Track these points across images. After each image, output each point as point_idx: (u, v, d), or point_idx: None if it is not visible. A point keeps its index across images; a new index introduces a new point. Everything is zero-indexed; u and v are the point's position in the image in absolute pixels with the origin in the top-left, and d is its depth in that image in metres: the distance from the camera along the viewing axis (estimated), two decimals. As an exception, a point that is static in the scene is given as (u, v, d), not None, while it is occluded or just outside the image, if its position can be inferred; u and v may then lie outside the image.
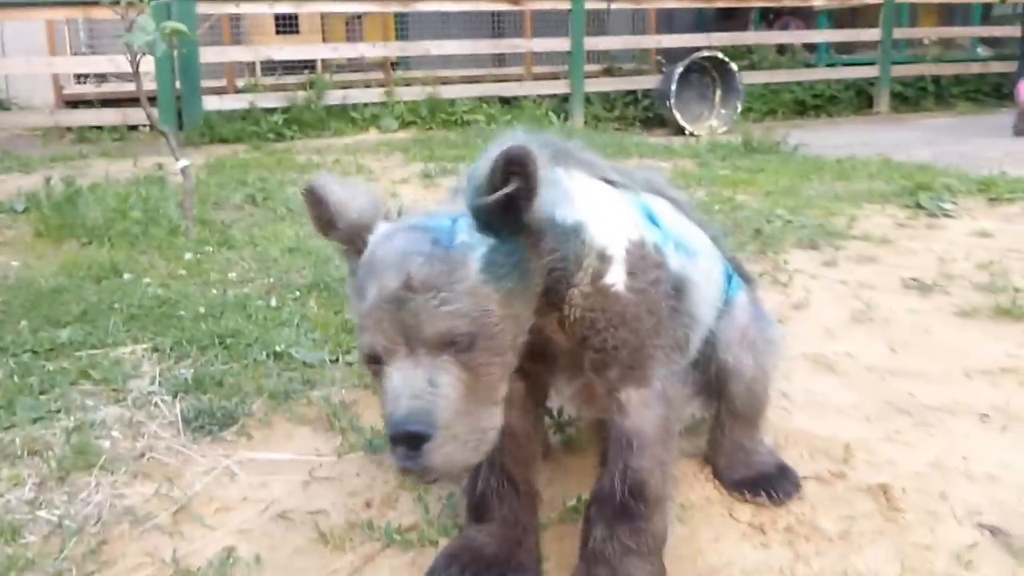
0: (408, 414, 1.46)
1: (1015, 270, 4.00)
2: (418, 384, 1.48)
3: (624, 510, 1.77)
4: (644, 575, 1.78)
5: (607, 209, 1.78)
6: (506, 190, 1.50)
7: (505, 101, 10.68)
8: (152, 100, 7.53)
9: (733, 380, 2.15)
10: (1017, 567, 1.94)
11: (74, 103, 10.00)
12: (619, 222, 1.77)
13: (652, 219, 1.88)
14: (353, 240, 1.64)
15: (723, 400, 2.21)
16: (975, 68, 13.20)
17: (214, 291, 3.70)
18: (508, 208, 1.52)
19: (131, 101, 8.77)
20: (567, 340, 1.77)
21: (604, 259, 1.71)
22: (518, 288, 1.58)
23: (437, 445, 1.46)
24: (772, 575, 1.93)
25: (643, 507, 1.77)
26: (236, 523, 2.12)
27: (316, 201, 1.64)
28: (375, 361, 1.52)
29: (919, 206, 5.30)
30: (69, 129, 9.26)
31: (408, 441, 1.45)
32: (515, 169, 1.49)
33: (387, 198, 5.63)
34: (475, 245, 1.54)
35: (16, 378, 2.77)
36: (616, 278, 1.72)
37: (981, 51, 13.73)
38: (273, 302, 3.50)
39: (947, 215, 5.14)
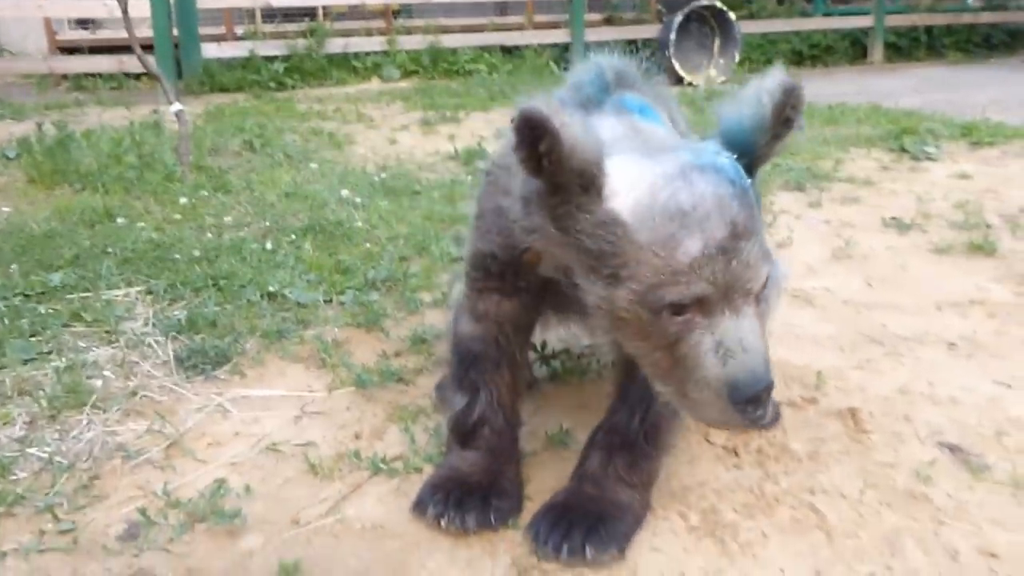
0: (767, 369, 1.46)
1: (989, 209, 4.14)
2: (756, 335, 1.47)
3: (631, 446, 1.82)
4: (630, 500, 1.83)
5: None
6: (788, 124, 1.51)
7: (506, 51, 10.61)
8: (149, 48, 7.50)
9: None
10: (973, 481, 2.02)
11: (69, 50, 9.91)
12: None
13: None
14: (584, 177, 1.45)
15: None
16: (966, 18, 13.29)
17: (209, 235, 3.71)
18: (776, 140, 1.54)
19: (127, 48, 8.71)
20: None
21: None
22: None
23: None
24: (742, 493, 1.98)
25: (652, 449, 1.82)
26: (227, 457, 2.15)
27: (539, 133, 1.42)
28: (681, 312, 1.44)
29: (903, 150, 5.46)
30: (64, 77, 9.19)
31: (768, 393, 1.46)
32: (793, 102, 1.49)
33: (386, 145, 5.67)
34: (750, 182, 1.51)
35: (6, 320, 2.78)
36: None
37: (972, 2, 13.81)
38: (268, 245, 3.50)
39: (930, 158, 5.30)
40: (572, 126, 1.42)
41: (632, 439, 1.82)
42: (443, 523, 1.84)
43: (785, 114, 1.49)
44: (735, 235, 1.42)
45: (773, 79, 1.50)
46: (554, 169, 1.44)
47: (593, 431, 1.90)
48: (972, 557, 1.76)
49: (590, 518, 1.78)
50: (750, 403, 1.43)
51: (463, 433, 1.96)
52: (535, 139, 1.41)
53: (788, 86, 1.48)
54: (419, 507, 1.89)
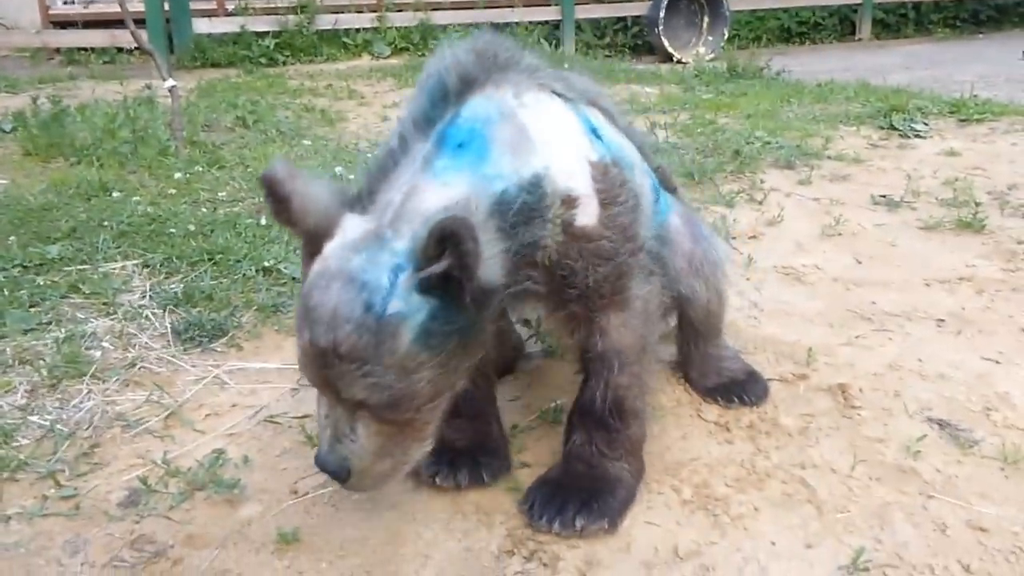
0: (327, 456, 1.59)
1: (978, 186, 4.15)
2: (340, 428, 1.57)
3: (603, 422, 1.85)
4: (619, 473, 1.87)
5: (564, 135, 1.72)
6: (439, 267, 1.42)
7: (496, 27, 10.57)
8: (141, 23, 7.47)
9: (690, 307, 2.19)
10: (961, 456, 2.05)
11: (61, 24, 9.85)
12: (578, 147, 1.72)
13: (595, 133, 1.81)
14: (313, 241, 1.55)
15: (683, 320, 2.27)
16: (954, -6, 13.26)
17: (204, 209, 3.72)
18: (449, 278, 1.44)
19: (120, 23, 8.68)
20: (546, 285, 1.74)
21: (570, 203, 1.66)
22: (459, 344, 1.53)
23: (354, 482, 1.62)
24: (734, 467, 2.02)
25: (620, 421, 1.85)
26: (225, 427, 2.17)
27: (276, 194, 1.52)
28: None
29: (892, 127, 5.46)
30: (57, 51, 9.18)
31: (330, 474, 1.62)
32: (450, 244, 1.40)
33: (378, 122, 5.68)
34: (410, 314, 1.46)
35: (6, 291, 2.80)
36: (586, 217, 1.69)
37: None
38: (263, 220, 3.51)
39: (918, 135, 5.30)
40: (304, 191, 1.53)
41: (602, 417, 1.85)
42: (438, 480, 1.90)
43: (439, 246, 1.41)
44: (335, 352, 1.45)
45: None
46: (294, 224, 1.55)
47: (569, 412, 1.94)
48: (961, 531, 1.79)
49: (583, 493, 1.82)
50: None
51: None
52: (275, 199, 1.52)
53: (444, 223, 1.39)
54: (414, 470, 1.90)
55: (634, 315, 1.82)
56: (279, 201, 1.52)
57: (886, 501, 1.88)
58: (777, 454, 2.06)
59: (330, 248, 1.52)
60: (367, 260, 1.47)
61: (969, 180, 4.23)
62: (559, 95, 1.80)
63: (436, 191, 1.55)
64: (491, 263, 1.47)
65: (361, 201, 1.59)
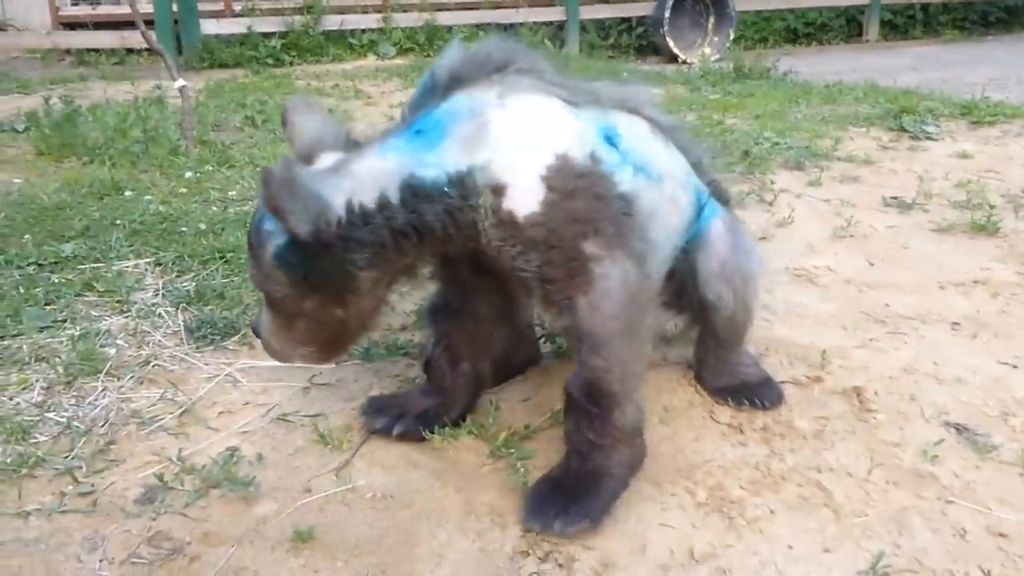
0: (254, 319, 2.05)
1: (991, 188, 4.13)
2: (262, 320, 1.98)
3: (580, 405, 1.85)
4: (609, 462, 1.87)
5: (530, 134, 1.80)
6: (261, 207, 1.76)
7: (501, 28, 10.59)
8: (149, 24, 7.49)
9: (714, 313, 2.18)
10: (979, 460, 2.04)
11: (71, 25, 9.88)
12: (541, 142, 1.79)
13: (610, 140, 1.89)
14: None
15: (706, 327, 2.26)
16: (963, -5, 13.22)
17: (214, 208, 3.73)
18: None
19: (129, 24, 8.71)
20: (502, 265, 1.83)
21: (499, 190, 1.74)
22: (310, 278, 1.81)
23: (264, 345, 2.02)
24: (748, 470, 2.01)
25: (595, 405, 1.83)
26: (239, 425, 2.18)
27: (283, 120, 1.90)
28: None
29: (903, 129, 5.43)
30: (68, 52, 9.21)
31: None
32: (277, 193, 1.67)
33: (385, 121, 5.67)
34: (274, 234, 1.78)
35: (22, 289, 2.81)
36: (518, 203, 1.75)
37: (969, -22, 13.69)
38: (274, 220, 3.51)
39: (929, 137, 5.27)
40: (302, 123, 1.87)
41: (577, 399, 1.85)
42: (377, 426, 2.13)
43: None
44: (249, 247, 1.88)
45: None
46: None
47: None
48: (981, 536, 1.78)
49: (569, 493, 1.83)
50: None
51: (423, 367, 2.21)
52: (283, 123, 1.90)
53: (263, 172, 1.67)
54: (361, 411, 2.19)
55: (604, 296, 1.79)
56: (283, 124, 1.89)
57: (904, 506, 1.87)
58: (792, 457, 2.06)
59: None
60: None
61: (982, 182, 4.21)
62: (566, 100, 1.87)
63: (370, 159, 1.81)
64: (300, 220, 1.69)
65: (346, 150, 1.86)
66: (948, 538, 1.78)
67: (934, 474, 1.98)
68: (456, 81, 1.83)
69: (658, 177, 1.96)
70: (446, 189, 1.76)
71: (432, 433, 2.09)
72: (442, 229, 1.79)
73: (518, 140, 1.77)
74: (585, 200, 1.78)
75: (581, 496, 1.82)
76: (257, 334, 2.02)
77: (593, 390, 1.83)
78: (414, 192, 1.76)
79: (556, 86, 1.89)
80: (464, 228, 1.79)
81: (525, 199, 1.74)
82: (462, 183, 1.75)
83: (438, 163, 1.76)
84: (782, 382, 2.35)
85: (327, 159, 1.84)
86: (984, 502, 1.88)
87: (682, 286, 2.18)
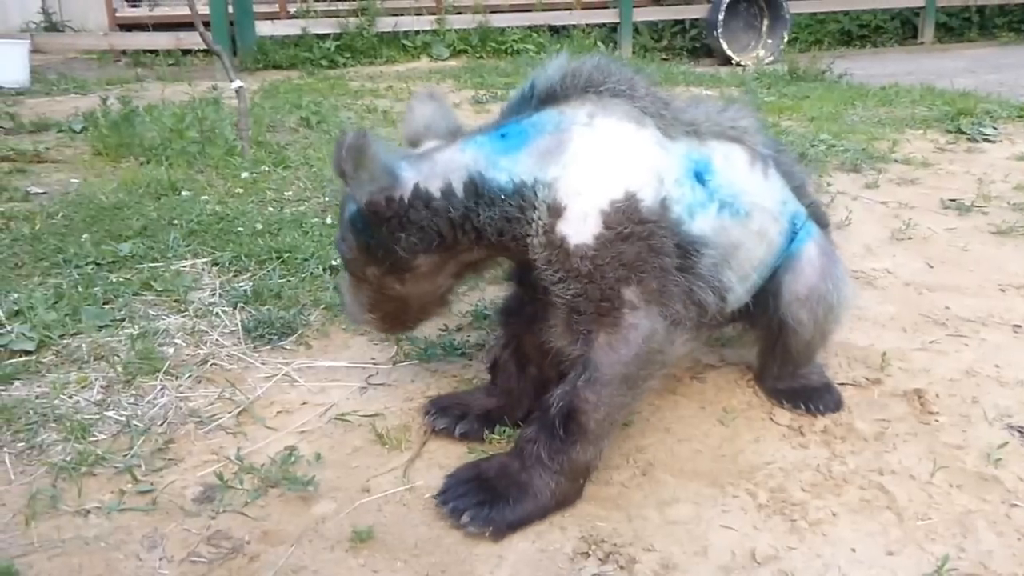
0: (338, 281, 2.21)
1: (1051, 191, 4.03)
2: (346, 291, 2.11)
3: (549, 427, 1.82)
4: (544, 487, 1.83)
5: (605, 159, 1.80)
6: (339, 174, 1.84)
7: (555, 30, 10.61)
8: (205, 25, 7.56)
9: (791, 336, 2.16)
10: (1044, 466, 1.99)
11: (127, 26, 10.02)
12: (614, 174, 1.79)
13: (700, 176, 1.90)
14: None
15: (778, 344, 2.22)
16: (1020, -3, 12.96)
17: (271, 209, 3.75)
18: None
19: (184, 25, 8.82)
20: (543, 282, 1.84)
21: (556, 211, 1.77)
22: (372, 245, 1.90)
23: (340, 299, 2.19)
24: (809, 472, 1.99)
25: (565, 433, 1.81)
26: (296, 425, 2.18)
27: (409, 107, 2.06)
28: None
29: (960, 131, 5.36)
30: (124, 53, 9.34)
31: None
32: (345, 157, 1.79)
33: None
34: (350, 203, 1.90)
35: (80, 288, 2.83)
36: (572, 229, 1.76)
37: (1027, -20, 13.44)
38: (328, 220, 3.53)
39: (987, 140, 5.20)
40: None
41: (549, 420, 1.82)
42: (437, 425, 2.12)
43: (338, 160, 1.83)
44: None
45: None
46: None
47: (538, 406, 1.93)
48: (1046, 541, 1.75)
49: (490, 492, 1.82)
50: None
51: (488, 368, 2.23)
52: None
53: (343, 140, 1.80)
54: (423, 412, 2.18)
55: (624, 342, 1.79)
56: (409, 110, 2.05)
57: (968, 509, 1.84)
58: (853, 459, 2.03)
59: None
60: None
61: (1043, 185, 4.14)
62: (660, 130, 1.89)
63: (452, 151, 1.89)
64: (362, 188, 1.83)
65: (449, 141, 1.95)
66: (1013, 542, 1.74)
67: (998, 477, 1.94)
68: (551, 95, 1.87)
69: (746, 212, 1.97)
70: (505, 197, 1.79)
71: (492, 433, 2.09)
72: (495, 234, 1.82)
73: (592, 165, 1.78)
74: (638, 247, 1.77)
75: (498, 502, 1.80)
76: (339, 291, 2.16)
77: (571, 419, 1.81)
78: (477, 190, 1.81)
79: (652, 114, 1.89)
80: (516, 238, 1.82)
81: (580, 228, 1.76)
82: (522, 194, 1.78)
83: (509, 168, 1.80)
84: (841, 384, 2.33)
85: (429, 145, 1.95)
86: (1051, 507, 1.84)
87: (763, 302, 2.15)
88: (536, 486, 1.82)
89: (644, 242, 1.78)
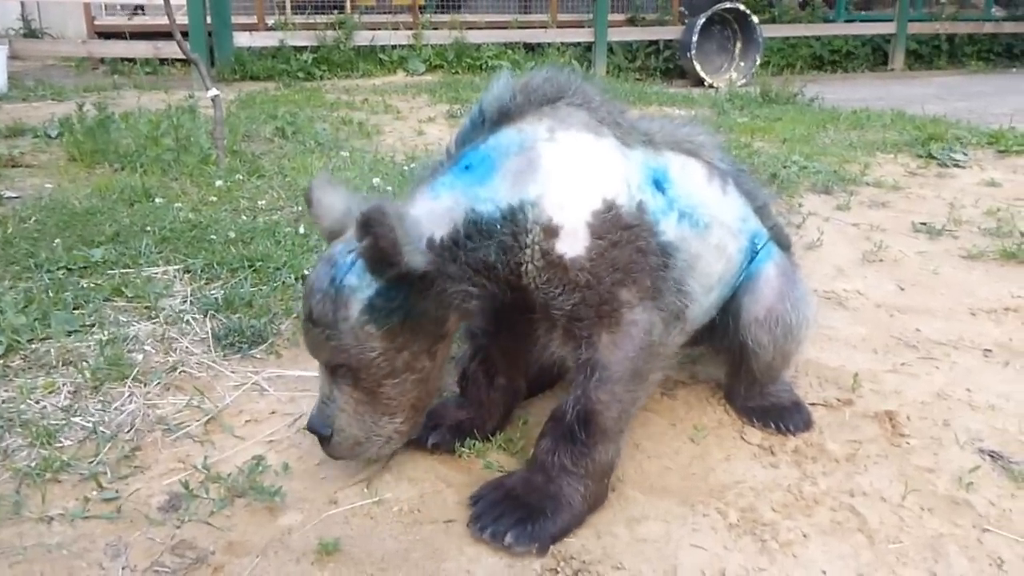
0: (314, 417, 1.88)
1: (1021, 217, 4.12)
2: (325, 392, 1.86)
3: (569, 432, 1.83)
4: (574, 494, 1.83)
5: (578, 171, 1.80)
6: (362, 245, 1.67)
7: (530, 48, 10.68)
8: (183, 35, 7.54)
9: (751, 358, 2.18)
10: (1016, 489, 2.00)
11: (106, 34, 9.97)
12: (590, 185, 1.79)
13: (658, 184, 1.91)
14: (330, 240, 1.88)
15: (741, 365, 2.23)
16: (988, 28, 13.28)
17: (244, 217, 3.73)
18: (380, 259, 1.67)
19: (163, 35, 8.79)
20: (536, 303, 1.84)
21: (551, 231, 1.75)
22: (407, 322, 1.76)
23: (336, 442, 1.87)
24: (780, 492, 1.98)
25: (586, 436, 1.82)
26: (265, 434, 2.16)
27: (308, 201, 1.93)
28: None
29: (931, 156, 5.45)
30: (102, 60, 9.32)
31: (315, 435, 1.89)
32: (368, 230, 1.64)
33: (414, 136, 5.69)
34: (360, 288, 1.73)
35: (51, 293, 2.80)
36: (567, 246, 1.76)
37: (995, 11, 13.73)
38: (301, 229, 3.52)
39: (957, 165, 5.29)
40: (325, 199, 1.90)
41: (570, 427, 1.83)
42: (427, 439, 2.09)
43: (362, 231, 1.66)
44: (309, 319, 1.78)
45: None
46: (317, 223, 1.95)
47: (547, 420, 1.92)
48: (1018, 566, 1.74)
49: (525, 509, 1.81)
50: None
51: (458, 380, 2.19)
52: (307, 202, 1.94)
53: (364, 212, 1.65)
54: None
55: (627, 338, 1.81)
56: (308, 204, 1.92)
57: (940, 533, 1.84)
58: (824, 480, 2.02)
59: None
60: (345, 246, 1.77)
61: (1011, 210, 4.20)
62: (618, 139, 1.89)
63: (424, 201, 1.81)
64: (415, 250, 1.68)
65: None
66: (985, 567, 1.74)
67: (969, 501, 1.94)
68: (505, 115, 1.83)
69: (704, 225, 1.98)
70: (500, 226, 1.76)
71: (463, 446, 2.08)
72: (502, 267, 1.79)
73: (568, 177, 1.78)
74: (628, 251, 1.79)
75: (537, 517, 1.80)
76: (321, 435, 1.87)
77: (589, 421, 1.82)
78: (477, 227, 1.76)
79: (608, 123, 1.89)
80: (513, 267, 1.79)
81: (573, 243, 1.76)
82: (514, 219, 1.75)
83: (491, 198, 1.77)
84: (812, 404, 2.33)
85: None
86: (1021, 531, 1.84)
87: (723, 324, 2.17)
88: (567, 494, 1.83)
89: (632, 245, 1.80)
